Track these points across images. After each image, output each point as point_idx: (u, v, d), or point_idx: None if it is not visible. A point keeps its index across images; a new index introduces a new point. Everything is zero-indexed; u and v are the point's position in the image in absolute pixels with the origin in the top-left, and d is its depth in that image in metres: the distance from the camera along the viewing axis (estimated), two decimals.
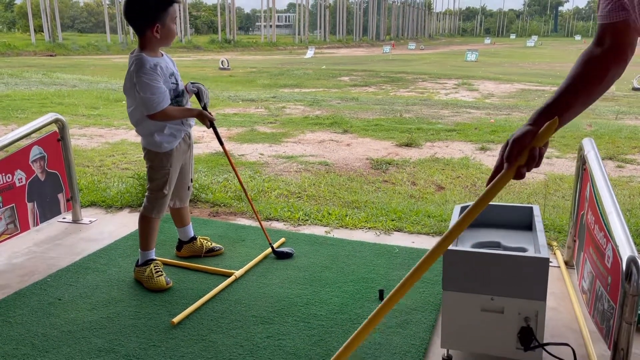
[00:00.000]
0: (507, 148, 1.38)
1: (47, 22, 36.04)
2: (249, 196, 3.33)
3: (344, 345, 1.49)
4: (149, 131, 2.79)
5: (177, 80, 2.82)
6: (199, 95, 2.90)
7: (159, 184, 2.88)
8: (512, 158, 1.37)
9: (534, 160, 1.36)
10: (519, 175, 1.37)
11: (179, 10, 2.83)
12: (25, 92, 11.79)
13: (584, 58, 1.48)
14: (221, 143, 3.09)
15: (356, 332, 1.49)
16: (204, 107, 2.90)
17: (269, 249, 3.31)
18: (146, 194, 2.94)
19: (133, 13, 2.68)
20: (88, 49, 34.30)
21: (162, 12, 2.64)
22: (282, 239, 3.50)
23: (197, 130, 7.47)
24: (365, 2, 62.07)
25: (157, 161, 2.85)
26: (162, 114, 2.69)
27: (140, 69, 2.63)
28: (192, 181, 3.16)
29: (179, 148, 2.88)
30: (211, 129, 2.94)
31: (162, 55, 2.82)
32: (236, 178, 4.98)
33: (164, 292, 2.83)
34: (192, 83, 2.92)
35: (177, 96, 2.81)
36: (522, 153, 1.36)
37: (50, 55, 30.15)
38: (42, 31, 36.87)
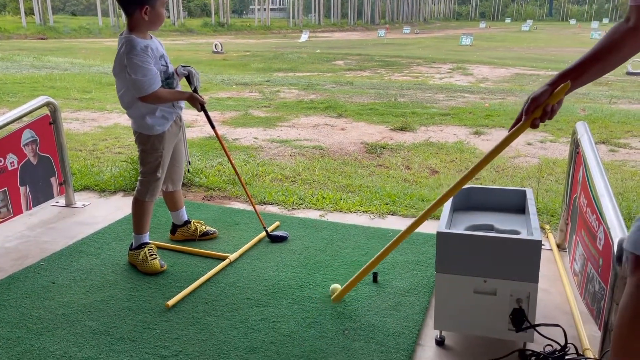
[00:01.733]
0: (527, 103, 1.76)
1: (38, 4, 35.53)
2: (242, 180, 3.31)
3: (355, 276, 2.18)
4: (140, 114, 2.77)
5: (167, 63, 2.80)
6: (189, 78, 2.87)
7: (152, 167, 2.87)
8: (529, 112, 1.77)
9: (547, 115, 1.75)
10: (534, 126, 1.78)
11: None
12: (16, 76, 11.67)
13: (610, 30, 1.70)
14: (213, 127, 3.07)
15: (369, 262, 2.05)
16: (195, 90, 2.87)
17: (263, 233, 3.31)
18: (139, 177, 2.93)
19: None
20: (80, 32, 33.87)
21: None
22: (277, 223, 3.51)
23: (191, 114, 7.42)
24: None
25: (149, 144, 2.83)
26: (154, 96, 2.67)
27: (131, 50, 2.60)
28: (189, 164, 3.14)
29: (170, 130, 2.87)
30: (202, 112, 2.91)
31: (151, 37, 2.79)
32: (227, 163, 4.97)
33: (158, 275, 2.84)
34: (182, 66, 2.89)
35: (168, 78, 2.79)
36: (538, 108, 1.75)
37: (42, 39, 29.77)
38: (33, 14, 36.35)
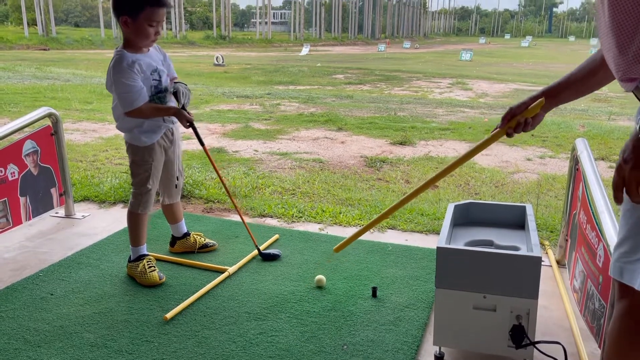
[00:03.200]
0: (505, 113, 1.86)
1: (41, 15, 35.78)
2: (233, 199, 3.31)
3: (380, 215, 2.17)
4: (128, 127, 2.80)
5: (160, 77, 2.79)
6: (176, 94, 2.83)
7: (142, 178, 2.87)
8: (504, 121, 1.86)
9: (521, 127, 1.84)
10: (509, 135, 1.87)
11: (174, 9, 2.80)
12: (18, 86, 11.71)
13: (591, 56, 1.74)
14: (202, 144, 3.00)
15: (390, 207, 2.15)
16: (183, 107, 2.82)
17: (263, 245, 3.31)
18: (131, 190, 2.93)
19: (113, 1, 2.69)
20: (82, 43, 34.09)
21: (134, 7, 2.60)
22: (276, 236, 3.50)
23: None
24: (361, 1, 62.05)
25: (139, 155, 2.84)
26: (137, 112, 2.68)
27: (115, 66, 2.63)
28: (180, 178, 3.12)
29: (160, 143, 2.87)
30: (190, 129, 2.85)
31: (148, 50, 2.79)
32: (227, 176, 4.98)
33: (156, 288, 2.83)
34: (175, 82, 2.87)
35: (159, 92, 2.78)
36: (513, 119, 1.83)
37: (44, 49, 29.94)
38: (36, 25, 36.59)
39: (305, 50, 31.69)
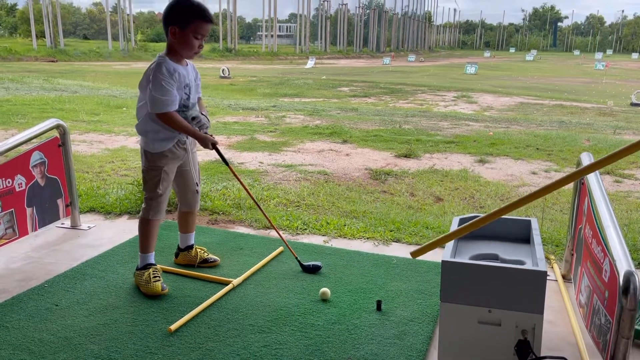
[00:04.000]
0: None
1: (49, 27, 36.16)
2: (271, 221, 3.36)
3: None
4: (144, 129, 2.87)
5: (189, 92, 2.87)
6: (195, 120, 2.89)
7: (152, 184, 2.91)
8: None
9: None
10: None
11: (210, 29, 2.87)
12: (26, 97, 11.81)
13: None
14: (227, 164, 3.13)
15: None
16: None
17: (267, 258, 3.31)
18: (144, 196, 2.97)
19: (164, 12, 2.79)
20: (89, 56, 34.39)
21: (184, 19, 2.73)
22: (280, 248, 3.50)
23: None
24: (366, 14, 62.45)
25: (151, 161, 2.89)
26: (167, 116, 2.75)
27: (158, 69, 2.72)
28: (197, 185, 3.16)
29: (172, 151, 2.90)
30: (214, 150, 2.95)
31: (187, 64, 2.88)
32: (232, 187, 4.99)
33: (161, 300, 2.83)
34: (197, 109, 2.95)
35: (185, 107, 2.85)
36: None
37: (52, 61, 30.21)
38: (44, 37, 36.96)
39: (310, 63, 31.86)
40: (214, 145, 2.91)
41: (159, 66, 2.73)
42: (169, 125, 2.80)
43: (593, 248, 2.51)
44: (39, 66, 25.62)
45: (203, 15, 2.77)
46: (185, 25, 2.73)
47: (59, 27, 37.29)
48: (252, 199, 3.27)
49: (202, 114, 2.94)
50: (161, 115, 2.74)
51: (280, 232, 3.37)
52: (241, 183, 3.20)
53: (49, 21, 36.15)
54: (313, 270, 3.19)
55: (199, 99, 3.04)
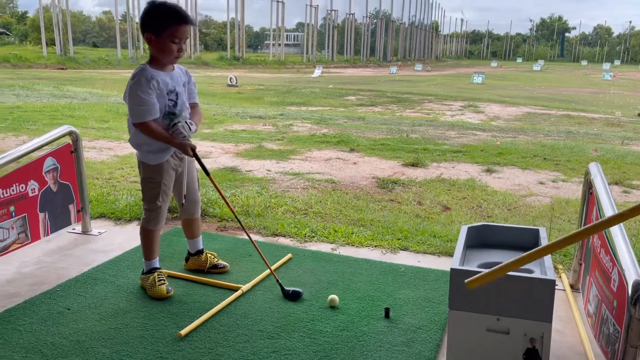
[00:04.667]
0: None
1: (59, 35, 36.53)
2: (245, 228, 3.27)
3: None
4: (137, 142, 2.86)
5: (176, 98, 2.83)
6: (174, 129, 2.80)
7: (152, 195, 2.92)
8: None
9: None
10: None
11: (190, 31, 2.84)
12: (37, 104, 11.93)
13: None
14: (206, 173, 3.00)
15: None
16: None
17: (276, 264, 3.34)
18: (143, 206, 2.99)
19: (140, 19, 2.78)
20: (99, 63, 34.70)
21: (158, 24, 2.68)
22: (289, 255, 3.53)
23: (206, 145, 7.55)
24: (374, 23, 62.70)
25: (149, 173, 2.90)
26: (145, 126, 2.73)
27: (134, 79, 2.70)
28: (196, 195, 3.18)
29: (169, 162, 2.90)
30: (194, 157, 2.89)
31: (173, 69, 2.85)
32: (240, 195, 5.02)
33: (171, 304, 2.86)
34: (178, 118, 2.84)
35: (171, 113, 2.81)
36: None
37: (61, 69, 30.50)
38: (54, 44, 37.33)
39: (317, 72, 32.00)
40: (193, 151, 2.84)
41: (135, 76, 2.70)
42: (147, 135, 2.76)
43: (602, 258, 2.52)
44: (48, 73, 25.87)
45: (178, 18, 2.69)
46: (160, 31, 2.68)
47: (69, 35, 37.66)
48: (229, 207, 3.16)
49: (186, 122, 2.83)
50: (139, 125, 2.72)
51: (253, 239, 3.20)
52: (217, 189, 3.10)
53: (59, 29, 36.53)
54: (293, 296, 2.97)
55: (195, 104, 3.00)
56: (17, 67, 29.74)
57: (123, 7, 42.78)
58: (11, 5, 75.01)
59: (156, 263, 3.03)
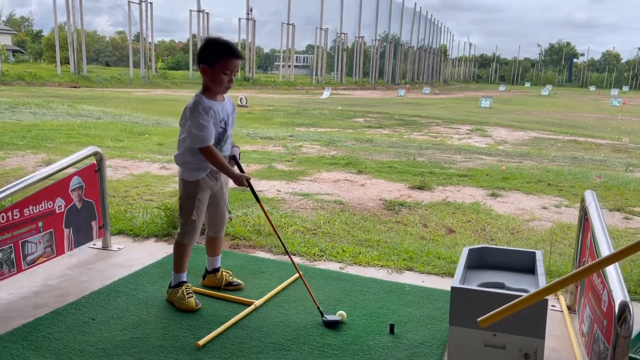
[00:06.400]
0: None
1: (74, 54, 37.25)
2: (289, 253, 3.41)
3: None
4: (182, 161, 3.14)
5: (226, 126, 3.12)
6: (235, 159, 3.18)
7: (187, 210, 3.16)
8: None
9: None
10: None
11: (239, 64, 3.09)
12: (53, 123, 12.26)
13: None
14: (257, 200, 3.26)
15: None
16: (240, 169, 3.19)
17: (287, 281, 3.52)
18: (179, 221, 3.21)
19: (197, 52, 3.08)
20: (111, 82, 35.31)
21: (212, 57, 2.97)
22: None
23: None
24: (382, 46, 63.43)
25: (187, 189, 3.15)
26: (207, 150, 3.00)
27: (193, 107, 2.98)
28: (229, 212, 3.41)
29: (205, 180, 3.15)
30: (248, 188, 3.17)
31: (224, 99, 3.13)
32: (252, 214, 5.22)
33: (188, 317, 3.04)
34: (234, 147, 3.21)
35: (220, 140, 3.11)
36: None
37: (74, 87, 31.09)
38: (68, 63, 38.05)
39: (326, 94, 32.37)
40: (248, 182, 3.13)
41: (194, 105, 2.99)
42: (207, 159, 3.03)
43: (594, 280, 2.68)
44: (62, 91, 26.38)
45: (230, 52, 2.99)
46: (213, 63, 2.97)
47: (83, 53, 38.40)
48: (279, 239, 3.35)
49: (237, 149, 3.20)
50: (202, 149, 3.00)
51: (302, 273, 3.32)
52: (268, 219, 3.33)
53: (73, 48, 37.27)
54: (331, 324, 3.01)
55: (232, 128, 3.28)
56: (31, 84, 30.35)
57: (136, 28, 43.67)
58: (26, 23, 76.74)
59: (184, 277, 3.23)
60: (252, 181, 3.22)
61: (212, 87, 3.05)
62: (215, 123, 3.03)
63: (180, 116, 3.09)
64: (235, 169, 3.17)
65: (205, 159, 3.06)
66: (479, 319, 2.08)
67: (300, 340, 2.82)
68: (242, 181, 3.11)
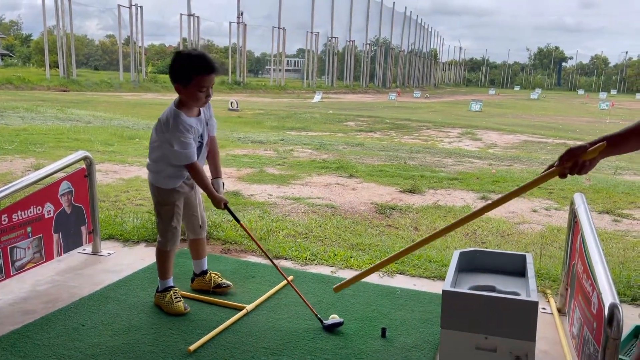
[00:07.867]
0: (563, 153, 1.91)
1: (63, 58, 37.03)
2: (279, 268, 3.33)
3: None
4: (156, 169, 3.09)
5: (202, 139, 3.10)
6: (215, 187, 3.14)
7: (167, 218, 3.14)
8: (562, 161, 1.91)
9: (577, 167, 1.88)
10: (563, 175, 1.92)
11: (214, 78, 2.98)
12: (42, 127, 12.17)
13: None
14: (238, 221, 3.26)
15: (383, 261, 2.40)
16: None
17: (278, 286, 3.51)
18: (158, 228, 3.19)
19: (169, 69, 2.98)
20: (100, 86, 35.13)
21: (184, 76, 2.85)
22: (291, 277, 3.68)
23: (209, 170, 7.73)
24: (373, 50, 63.66)
25: (163, 196, 3.12)
26: (192, 167, 2.97)
27: (176, 125, 2.88)
28: (202, 217, 3.38)
29: (182, 186, 3.14)
30: (226, 210, 3.15)
31: (200, 112, 3.06)
32: (243, 218, 5.20)
33: (180, 322, 3.02)
34: (215, 178, 3.20)
35: (197, 155, 3.06)
36: (570, 160, 1.89)
37: (63, 91, 30.90)
38: (57, 67, 37.81)
39: (317, 98, 32.42)
40: (225, 205, 3.12)
41: (176, 122, 2.87)
42: (192, 176, 3.02)
43: (584, 282, 2.70)
44: (51, 95, 26.21)
45: (203, 69, 2.82)
46: (186, 83, 2.82)
47: (72, 57, 38.18)
48: (264, 252, 3.38)
49: (223, 183, 3.19)
50: (187, 166, 2.97)
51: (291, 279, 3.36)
52: (252, 237, 3.34)
53: (62, 52, 37.05)
54: (334, 327, 3.02)
55: (213, 139, 3.22)
56: (19, 88, 30.13)
57: (126, 31, 43.49)
58: (15, 27, 76.22)
59: (171, 282, 3.21)
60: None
61: (190, 104, 2.97)
62: (194, 138, 2.99)
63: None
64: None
65: (184, 169, 3.02)
66: (333, 287, 2.39)
67: (292, 345, 2.82)
68: (220, 205, 3.10)
